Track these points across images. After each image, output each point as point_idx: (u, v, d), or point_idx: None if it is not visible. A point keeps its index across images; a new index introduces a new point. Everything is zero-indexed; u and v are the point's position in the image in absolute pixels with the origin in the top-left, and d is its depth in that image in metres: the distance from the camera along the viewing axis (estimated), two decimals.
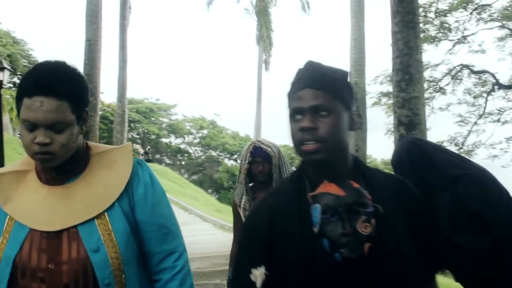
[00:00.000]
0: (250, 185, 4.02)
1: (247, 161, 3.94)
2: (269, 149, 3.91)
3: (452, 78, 16.62)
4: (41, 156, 1.74)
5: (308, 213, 1.63)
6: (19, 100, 1.75)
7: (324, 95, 1.63)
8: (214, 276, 8.87)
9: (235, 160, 55.37)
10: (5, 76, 13.47)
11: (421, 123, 7.20)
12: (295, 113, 1.67)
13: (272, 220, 1.71)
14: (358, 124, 1.74)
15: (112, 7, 40.16)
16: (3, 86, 13.76)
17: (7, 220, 1.83)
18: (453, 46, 15.89)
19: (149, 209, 1.90)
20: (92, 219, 1.79)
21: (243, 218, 3.84)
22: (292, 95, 1.70)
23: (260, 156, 3.90)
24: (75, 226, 1.77)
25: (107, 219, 1.81)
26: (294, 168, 3.60)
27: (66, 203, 1.81)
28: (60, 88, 1.72)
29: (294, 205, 1.69)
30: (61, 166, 1.82)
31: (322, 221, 1.59)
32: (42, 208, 1.81)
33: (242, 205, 3.96)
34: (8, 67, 13.93)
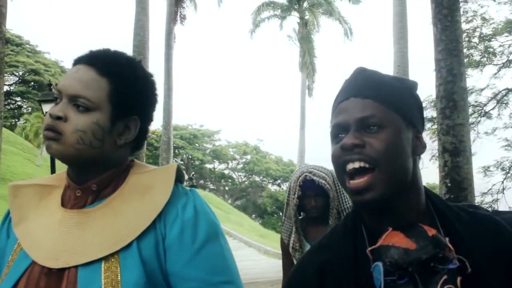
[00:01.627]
0: (300, 217, 3.42)
1: (296, 195, 3.27)
2: (323, 181, 3.23)
3: (497, 103, 16.39)
4: (47, 132, 1.36)
5: (369, 275, 1.19)
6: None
7: (375, 105, 1.23)
8: None
9: (279, 185, 55.43)
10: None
11: (466, 149, 7.17)
12: (337, 131, 1.26)
13: (323, 283, 1.28)
14: (425, 146, 1.29)
15: (157, 36, 41.09)
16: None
17: (16, 245, 1.44)
18: (498, 70, 15.74)
19: (186, 257, 1.35)
20: (99, 261, 1.32)
21: (294, 260, 3.33)
22: (334, 111, 1.30)
23: (312, 190, 3.24)
24: (76, 266, 1.33)
25: (118, 263, 1.32)
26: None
27: (77, 233, 1.37)
28: (103, 61, 1.41)
29: (350, 265, 1.25)
30: (86, 181, 1.42)
31: (387, 286, 1.15)
32: (50, 236, 1.39)
33: (291, 245, 3.37)
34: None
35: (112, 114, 1.40)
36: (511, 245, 1.23)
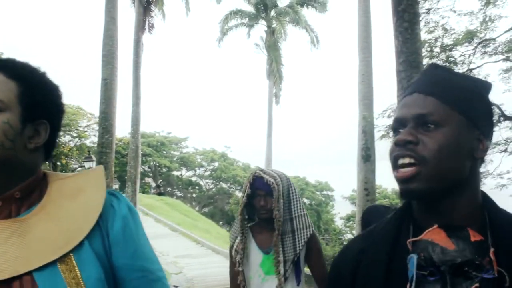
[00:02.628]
0: (249, 224, 3.42)
1: (246, 193, 3.28)
2: (272, 180, 3.22)
3: None
4: None
5: (403, 264, 1.20)
6: None
7: (437, 103, 1.21)
8: None
9: None
10: None
11: None
12: (397, 126, 1.27)
13: (358, 267, 1.32)
14: (486, 150, 1.26)
15: (126, 45, 40.88)
16: None
17: None
18: None
19: (130, 250, 1.45)
20: (53, 263, 1.33)
21: (236, 262, 3.29)
22: (399, 104, 1.31)
23: (262, 189, 3.24)
24: (30, 273, 1.30)
25: (74, 263, 1.34)
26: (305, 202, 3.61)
27: (18, 241, 1.34)
28: (14, 67, 1.42)
29: (386, 254, 1.27)
30: (7, 189, 1.39)
31: (418, 279, 1.16)
32: None
33: (235, 247, 3.31)
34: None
35: (22, 116, 1.39)
36: None
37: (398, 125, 1.26)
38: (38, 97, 1.42)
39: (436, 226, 1.19)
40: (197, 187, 58.26)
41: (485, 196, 1.29)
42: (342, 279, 1.36)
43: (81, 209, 1.43)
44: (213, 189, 57.39)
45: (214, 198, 56.70)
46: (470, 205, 1.24)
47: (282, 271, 3.21)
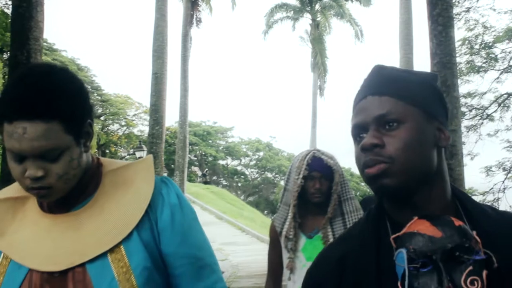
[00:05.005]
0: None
1: (301, 176, 2.95)
2: (331, 161, 2.96)
3: (499, 106, 16.98)
4: (37, 191, 1.37)
5: (391, 263, 1.17)
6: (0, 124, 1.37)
7: (392, 101, 1.21)
8: None
9: None
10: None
11: (458, 153, 7.81)
12: (357, 132, 1.25)
13: (343, 275, 1.26)
14: (449, 139, 1.27)
15: (174, 39, 41.65)
16: None
17: (1, 258, 1.46)
18: (500, 75, 16.32)
19: (178, 238, 1.49)
20: (104, 254, 1.40)
21: (284, 250, 3.06)
22: (353, 110, 1.29)
23: (319, 170, 2.95)
24: (82, 265, 1.39)
25: (123, 252, 1.41)
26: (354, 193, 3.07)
27: (72, 235, 1.42)
28: (46, 108, 1.32)
29: (372, 254, 1.23)
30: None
31: (410, 274, 1.12)
32: (43, 243, 1.43)
33: (284, 233, 3.04)
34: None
35: (76, 140, 1.40)
36: None
37: (358, 131, 1.24)
38: (79, 112, 1.41)
39: (416, 217, 1.17)
40: (242, 176, 58.50)
41: (452, 186, 1.29)
42: None
43: (132, 200, 1.48)
44: (258, 179, 57.57)
45: (259, 188, 56.96)
46: (443, 194, 1.24)
47: None
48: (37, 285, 1.38)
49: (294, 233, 3.00)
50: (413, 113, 1.20)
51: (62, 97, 1.35)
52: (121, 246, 1.41)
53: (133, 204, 1.47)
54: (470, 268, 1.09)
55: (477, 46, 15.87)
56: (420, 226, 1.14)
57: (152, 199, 1.48)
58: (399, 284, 1.13)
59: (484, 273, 1.09)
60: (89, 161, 1.50)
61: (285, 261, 3.06)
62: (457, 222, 1.13)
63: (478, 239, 1.12)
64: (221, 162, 57.44)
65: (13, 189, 1.55)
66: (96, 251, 1.39)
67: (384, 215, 1.28)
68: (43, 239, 1.43)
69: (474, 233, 1.13)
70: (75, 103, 1.39)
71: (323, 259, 1.36)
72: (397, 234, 1.17)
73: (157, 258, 1.46)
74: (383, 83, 1.24)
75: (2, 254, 1.45)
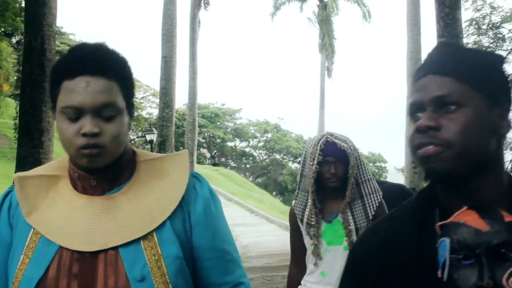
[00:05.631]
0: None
1: (316, 161, 2.90)
2: (345, 145, 2.91)
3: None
4: (89, 150, 1.36)
5: (433, 250, 1.15)
6: (56, 85, 1.41)
7: (454, 83, 1.14)
8: (282, 270, 9.84)
9: (299, 163, 55.30)
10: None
11: None
12: (414, 110, 1.20)
13: (384, 254, 1.25)
14: (509, 126, 1.19)
15: (183, 22, 41.65)
16: None
17: (30, 234, 1.45)
18: (507, 54, 16.32)
19: (211, 231, 1.52)
20: (137, 240, 1.41)
21: (305, 236, 3.05)
22: (413, 87, 1.23)
23: (333, 155, 2.90)
24: (116, 247, 1.40)
25: (156, 240, 1.42)
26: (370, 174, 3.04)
27: (108, 217, 1.43)
28: (108, 66, 1.40)
29: (415, 238, 1.21)
30: (104, 171, 1.45)
31: (451, 264, 1.10)
32: (77, 222, 1.43)
33: (305, 220, 3.00)
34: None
35: (128, 108, 1.47)
36: None
37: (416, 109, 1.19)
38: (131, 82, 1.51)
39: (466, 207, 1.12)
40: (250, 158, 58.83)
41: (510, 177, 1.22)
42: (366, 270, 1.28)
43: (166, 190, 1.50)
44: (267, 160, 57.83)
45: (267, 169, 57.23)
46: (497, 185, 1.17)
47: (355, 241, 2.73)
48: (66, 263, 1.38)
49: (316, 219, 2.97)
50: (475, 97, 1.14)
51: (118, 62, 1.45)
52: (154, 234, 1.42)
53: (168, 195, 1.49)
54: None
55: (484, 27, 15.80)
56: (468, 218, 1.11)
57: (186, 192, 1.51)
58: (438, 272, 1.10)
59: None
60: (128, 144, 1.53)
61: (307, 246, 3.07)
62: (508, 218, 1.09)
63: None
64: (229, 144, 57.77)
65: (44, 168, 1.58)
66: (130, 235, 1.40)
67: (434, 200, 1.23)
68: (77, 219, 1.43)
69: None
70: (128, 71, 1.48)
71: (369, 236, 1.36)
72: (443, 222, 1.14)
73: (186, 249, 1.47)
74: (446, 62, 1.18)
75: (32, 230, 1.44)
